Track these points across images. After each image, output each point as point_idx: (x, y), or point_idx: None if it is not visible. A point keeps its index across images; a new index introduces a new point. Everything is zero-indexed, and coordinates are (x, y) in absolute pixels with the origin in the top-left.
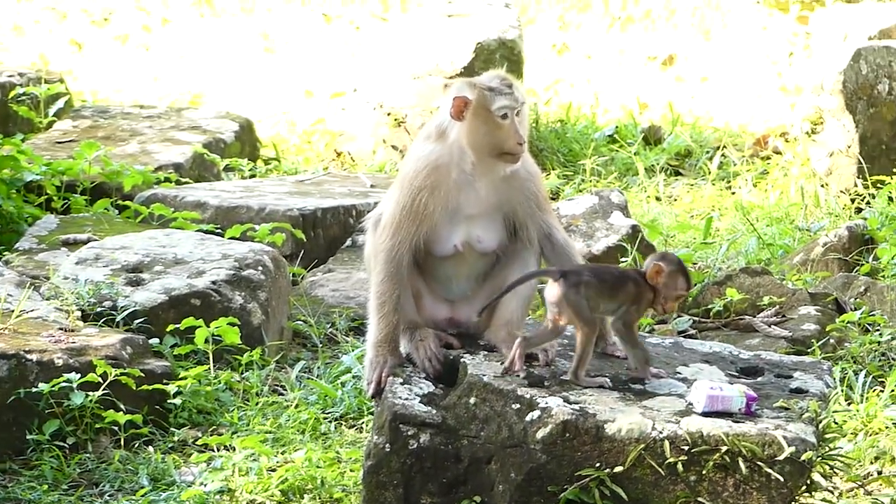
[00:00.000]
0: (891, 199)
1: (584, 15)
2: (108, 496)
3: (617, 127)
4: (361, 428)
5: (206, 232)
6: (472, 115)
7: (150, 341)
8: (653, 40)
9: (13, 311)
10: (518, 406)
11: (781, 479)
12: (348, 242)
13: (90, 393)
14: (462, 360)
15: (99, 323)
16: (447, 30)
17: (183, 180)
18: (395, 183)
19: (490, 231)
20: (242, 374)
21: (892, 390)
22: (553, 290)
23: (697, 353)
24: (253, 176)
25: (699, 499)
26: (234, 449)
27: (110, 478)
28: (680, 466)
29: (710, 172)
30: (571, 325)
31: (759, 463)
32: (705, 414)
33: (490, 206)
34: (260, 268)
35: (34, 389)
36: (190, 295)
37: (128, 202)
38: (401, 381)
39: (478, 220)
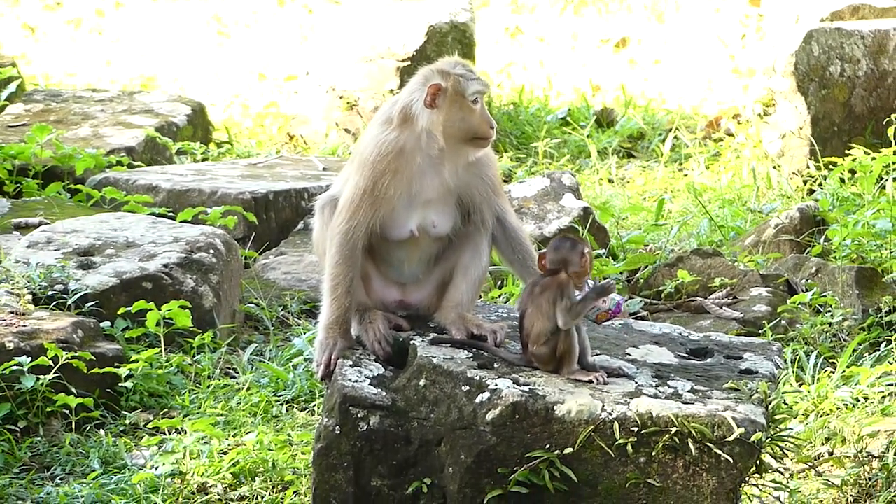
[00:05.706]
0: (842, 180)
1: None
2: (60, 479)
3: (570, 110)
4: (313, 411)
5: (158, 215)
6: (447, 101)
7: (102, 325)
8: (606, 23)
9: None
10: (468, 388)
11: (731, 461)
12: (300, 225)
13: (41, 376)
14: (411, 342)
15: (50, 306)
16: (399, 13)
17: (135, 164)
18: (351, 166)
19: (444, 215)
20: (194, 357)
21: (843, 371)
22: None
23: (647, 334)
24: (205, 159)
25: (649, 480)
26: (186, 432)
27: (61, 461)
28: (629, 448)
29: (662, 154)
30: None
31: (708, 444)
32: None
33: (448, 191)
34: (212, 251)
35: None
36: (141, 278)
37: (80, 186)
38: (350, 363)
39: (434, 205)
